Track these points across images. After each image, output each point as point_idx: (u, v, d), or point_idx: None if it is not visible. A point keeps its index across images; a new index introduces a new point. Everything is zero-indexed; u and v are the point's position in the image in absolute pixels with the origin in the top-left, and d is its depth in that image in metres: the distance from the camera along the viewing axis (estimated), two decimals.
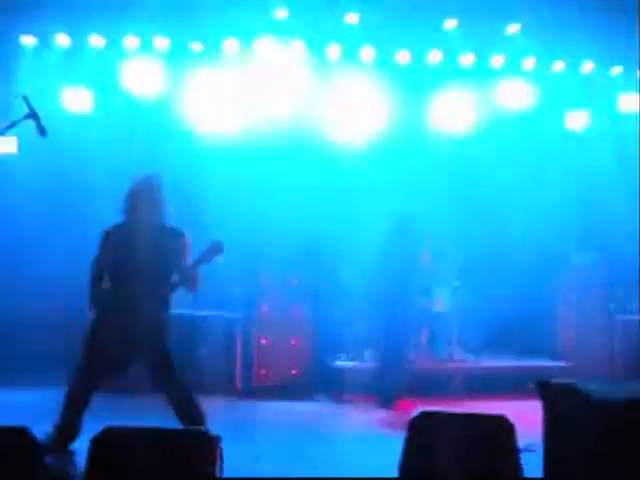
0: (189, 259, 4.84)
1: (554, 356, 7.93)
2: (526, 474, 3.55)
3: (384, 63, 8.27)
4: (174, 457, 3.19)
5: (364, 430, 6.06)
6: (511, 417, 3.59)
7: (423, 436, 3.55)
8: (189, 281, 4.83)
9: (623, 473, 3.31)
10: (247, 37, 7.90)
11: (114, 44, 7.83)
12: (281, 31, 7.81)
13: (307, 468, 4.80)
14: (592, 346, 7.93)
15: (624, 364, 7.98)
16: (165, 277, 4.81)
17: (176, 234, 4.90)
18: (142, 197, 4.87)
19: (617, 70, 8.64)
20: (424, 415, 3.57)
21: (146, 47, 7.85)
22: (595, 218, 8.55)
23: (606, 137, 8.62)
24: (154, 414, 4.89)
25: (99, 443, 3.06)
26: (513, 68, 8.46)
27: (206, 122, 7.94)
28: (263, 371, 7.41)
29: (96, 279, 4.84)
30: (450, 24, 7.92)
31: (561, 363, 7.69)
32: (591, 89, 8.67)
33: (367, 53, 8.15)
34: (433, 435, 3.51)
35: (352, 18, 7.76)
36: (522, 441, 3.69)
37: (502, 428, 3.54)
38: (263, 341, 7.44)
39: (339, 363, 7.51)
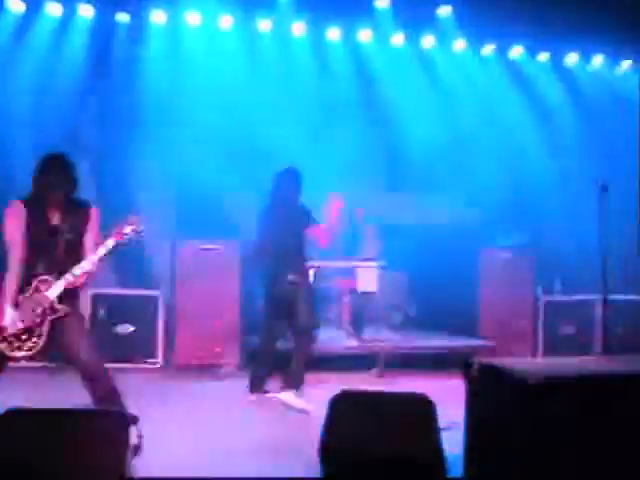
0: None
1: (478, 336, 8.00)
2: (447, 452, 3.56)
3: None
4: (85, 439, 3.06)
5: (286, 409, 5.99)
6: (433, 396, 3.59)
7: (343, 415, 3.51)
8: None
9: (542, 452, 3.32)
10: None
11: None
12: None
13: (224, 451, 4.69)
14: (516, 326, 8.04)
15: (546, 344, 8.14)
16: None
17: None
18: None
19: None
20: (344, 394, 3.53)
21: None
22: (521, 198, 8.71)
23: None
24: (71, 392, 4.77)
25: (1, 424, 2.90)
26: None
27: None
28: (186, 349, 7.27)
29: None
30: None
31: (484, 342, 7.77)
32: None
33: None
34: (353, 414, 3.47)
35: None
36: (443, 420, 3.70)
37: (422, 406, 3.52)
38: (185, 319, 7.29)
39: None
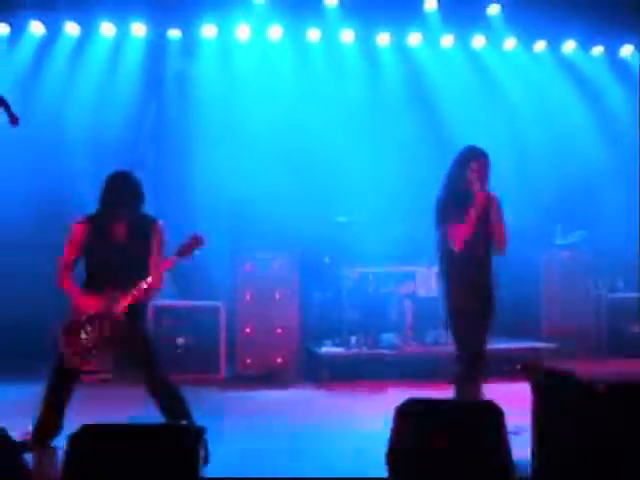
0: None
1: (540, 338, 7.89)
2: (515, 457, 3.52)
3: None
4: (155, 453, 3.11)
5: (350, 418, 5.99)
6: (499, 400, 3.55)
7: (410, 423, 3.49)
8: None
9: (609, 458, 3.26)
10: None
11: None
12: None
13: (295, 461, 4.71)
14: (578, 327, 7.90)
15: (610, 344, 7.97)
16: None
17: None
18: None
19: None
20: (411, 402, 3.52)
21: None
22: (579, 196, 8.56)
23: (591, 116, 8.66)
24: (139, 406, 4.86)
25: (76, 440, 2.97)
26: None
27: None
28: (248, 360, 7.36)
29: None
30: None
31: (548, 344, 7.65)
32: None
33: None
34: (420, 422, 3.46)
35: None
36: (510, 424, 3.66)
37: (491, 414, 3.49)
38: (247, 329, 7.38)
39: (325, 350, 7.44)
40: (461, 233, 4.88)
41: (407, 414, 3.51)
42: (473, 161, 5.01)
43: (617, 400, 3.33)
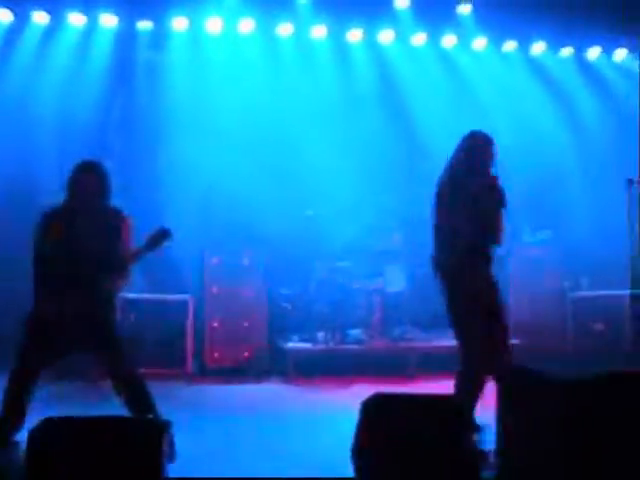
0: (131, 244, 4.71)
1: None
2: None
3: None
4: (118, 446, 3.09)
5: (316, 412, 5.99)
6: None
7: (376, 418, 3.50)
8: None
9: (574, 452, 3.30)
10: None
11: None
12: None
13: (263, 457, 4.70)
14: (545, 324, 7.97)
15: (576, 342, 8.06)
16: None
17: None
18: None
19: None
20: (377, 397, 3.53)
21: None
22: (547, 195, 8.65)
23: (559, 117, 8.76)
24: (103, 402, 4.81)
25: (37, 434, 2.93)
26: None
27: None
28: (215, 354, 7.34)
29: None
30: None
31: (514, 341, 7.70)
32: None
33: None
34: (386, 417, 3.47)
35: None
36: (477, 420, 3.70)
37: (454, 409, 3.52)
38: (215, 323, 7.36)
39: (291, 344, 7.43)
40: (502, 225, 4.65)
41: (372, 409, 3.52)
42: (492, 146, 4.86)
43: (580, 395, 3.36)
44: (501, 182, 4.75)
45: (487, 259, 4.75)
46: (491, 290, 4.72)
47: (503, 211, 4.69)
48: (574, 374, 3.41)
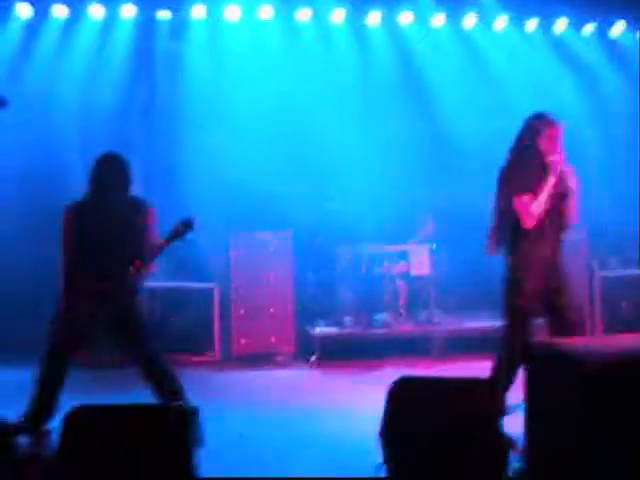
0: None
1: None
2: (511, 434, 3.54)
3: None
4: (148, 433, 3.12)
5: (343, 397, 6.01)
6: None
7: (403, 401, 3.51)
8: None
9: (604, 435, 3.26)
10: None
11: None
12: None
13: (293, 447, 4.71)
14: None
15: (605, 321, 7.98)
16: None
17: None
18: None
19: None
20: (403, 380, 3.53)
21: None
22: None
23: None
24: (133, 388, 4.87)
25: (69, 422, 2.98)
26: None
27: None
28: (242, 340, 7.37)
29: None
30: None
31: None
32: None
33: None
34: (413, 400, 3.48)
35: None
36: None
37: (482, 390, 3.51)
38: (241, 310, 7.39)
39: (319, 330, 7.45)
40: (535, 208, 4.63)
41: (399, 393, 3.52)
42: (546, 128, 4.78)
43: (610, 376, 3.32)
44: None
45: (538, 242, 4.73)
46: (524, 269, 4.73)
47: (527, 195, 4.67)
48: (604, 355, 3.36)
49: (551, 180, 4.65)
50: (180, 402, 4.56)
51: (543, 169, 4.70)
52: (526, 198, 4.65)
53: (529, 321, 4.87)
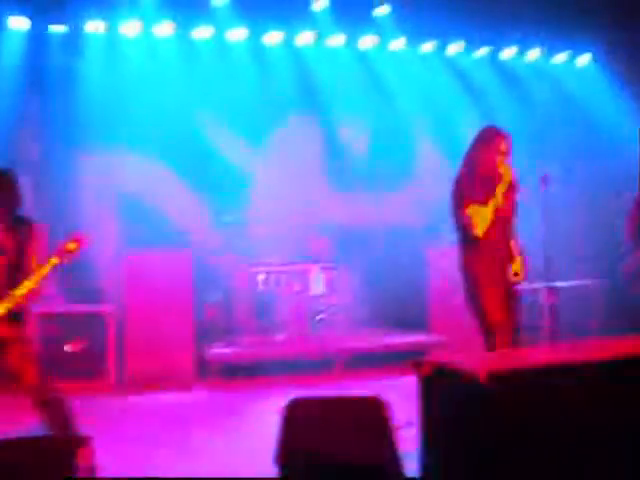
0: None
1: (431, 330, 8.03)
2: (404, 451, 3.57)
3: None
4: (35, 467, 2.99)
5: (241, 418, 5.96)
6: (390, 394, 3.60)
7: (296, 423, 3.49)
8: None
9: (495, 448, 3.33)
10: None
11: None
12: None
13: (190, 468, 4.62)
14: (465, 319, 8.04)
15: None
16: None
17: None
18: None
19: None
20: (296, 402, 3.52)
21: None
22: None
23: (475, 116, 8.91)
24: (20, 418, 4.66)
25: None
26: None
27: None
28: (138, 364, 7.14)
29: None
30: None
31: (437, 337, 7.82)
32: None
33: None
34: (306, 421, 3.46)
35: None
36: (401, 418, 3.71)
37: (375, 408, 3.53)
38: (137, 332, 7.18)
39: (216, 351, 7.35)
40: (486, 217, 4.75)
41: (293, 413, 3.51)
42: (500, 141, 4.89)
43: (499, 390, 3.39)
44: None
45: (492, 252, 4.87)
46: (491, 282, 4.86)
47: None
48: (491, 370, 3.43)
49: (501, 190, 4.79)
50: (70, 431, 4.38)
51: (493, 180, 4.82)
52: (476, 208, 4.77)
53: (506, 328, 4.91)
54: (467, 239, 4.88)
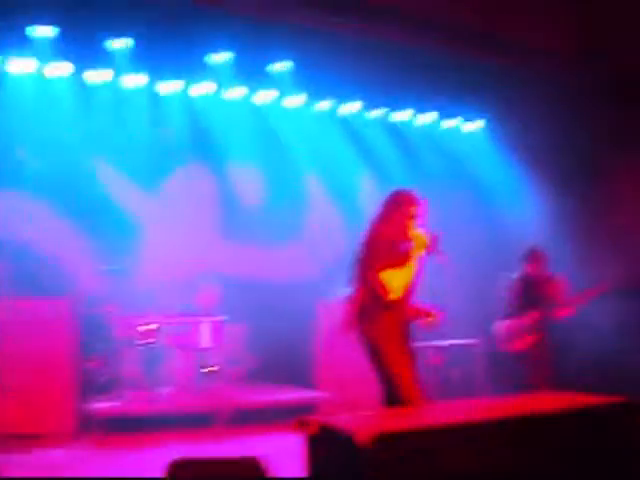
0: None
1: (319, 386, 8.00)
2: None
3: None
4: None
5: (123, 476, 5.71)
6: (277, 450, 3.54)
7: None
8: None
9: None
10: None
11: None
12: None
13: None
14: (357, 375, 8.04)
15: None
16: None
17: None
18: None
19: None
20: (179, 463, 3.42)
21: None
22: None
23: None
24: None
25: None
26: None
27: None
28: (15, 418, 6.71)
29: None
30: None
31: (324, 394, 7.79)
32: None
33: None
34: None
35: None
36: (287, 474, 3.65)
37: (255, 469, 3.48)
38: (12, 384, 6.76)
39: (99, 405, 7.05)
40: (402, 282, 4.75)
41: (174, 474, 3.40)
42: (412, 204, 4.89)
43: (378, 451, 3.39)
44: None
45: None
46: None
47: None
48: (371, 431, 3.44)
49: (414, 254, 4.79)
50: None
51: (406, 244, 4.81)
52: (391, 273, 4.74)
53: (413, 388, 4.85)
54: (377, 302, 4.82)
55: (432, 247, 4.92)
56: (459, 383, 8.15)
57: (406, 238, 4.84)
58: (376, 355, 4.85)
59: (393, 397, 4.81)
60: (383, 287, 4.73)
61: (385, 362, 4.81)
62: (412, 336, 5.00)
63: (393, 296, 4.76)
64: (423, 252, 4.87)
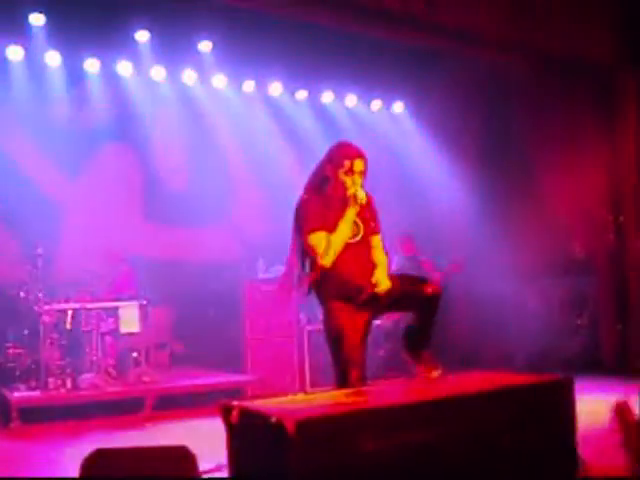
0: None
1: (248, 367, 7.98)
2: None
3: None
4: None
5: (42, 468, 5.56)
6: (203, 435, 3.49)
7: (98, 475, 3.31)
8: None
9: None
10: None
11: None
12: None
13: None
14: (281, 358, 8.07)
15: (313, 374, 8.24)
16: None
17: None
18: None
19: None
20: (98, 454, 3.33)
21: None
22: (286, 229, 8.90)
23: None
24: None
25: None
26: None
27: None
28: None
29: None
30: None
31: (252, 377, 7.77)
32: None
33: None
34: (108, 474, 3.29)
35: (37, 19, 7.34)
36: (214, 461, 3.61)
37: (183, 459, 3.42)
38: None
39: (18, 394, 6.86)
40: (335, 245, 4.19)
41: (92, 468, 3.32)
42: (348, 161, 4.28)
43: (302, 436, 3.38)
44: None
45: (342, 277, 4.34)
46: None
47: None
48: (295, 416, 3.42)
49: (350, 213, 4.26)
50: None
51: (343, 202, 4.30)
52: (322, 235, 4.23)
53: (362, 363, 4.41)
54: (314, 269, 4.31)
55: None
56: (387, 361, 8.24)
57: (344, 196, 4.27)
58: (323, 322, 4.41)
59: (339, 377, 4.54)
60: (315, 252, 4.22)
61: (328, 341, 4.37)
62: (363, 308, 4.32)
63: (326, 262, 4.23)
64: (364, 211, 4.33)
